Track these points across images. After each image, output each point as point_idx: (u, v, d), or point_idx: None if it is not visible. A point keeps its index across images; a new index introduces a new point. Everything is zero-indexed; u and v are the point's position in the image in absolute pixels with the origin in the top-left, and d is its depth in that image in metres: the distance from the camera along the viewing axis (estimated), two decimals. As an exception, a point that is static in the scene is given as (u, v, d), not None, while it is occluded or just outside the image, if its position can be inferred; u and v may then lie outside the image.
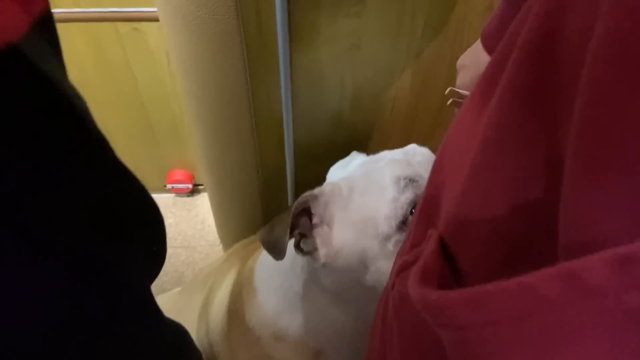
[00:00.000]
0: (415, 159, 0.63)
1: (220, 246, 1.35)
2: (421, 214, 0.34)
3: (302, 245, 0.60)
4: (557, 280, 0.19)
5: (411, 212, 0.57)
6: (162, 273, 0.72)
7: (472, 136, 0.28)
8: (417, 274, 0.28)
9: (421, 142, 0.93)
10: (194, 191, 1.47)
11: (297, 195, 1.01)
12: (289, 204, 1.04)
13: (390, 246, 0.57)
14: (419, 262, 0.29)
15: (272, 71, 0.76)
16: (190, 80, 0.85)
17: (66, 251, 0.41)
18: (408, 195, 0.57)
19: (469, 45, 0.74)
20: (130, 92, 1.23)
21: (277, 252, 0.56)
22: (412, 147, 0.67)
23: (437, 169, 0.33)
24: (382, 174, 0.60)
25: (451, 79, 0.79)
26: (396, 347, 0.36)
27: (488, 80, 0.29)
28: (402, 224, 0.57)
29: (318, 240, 0.60)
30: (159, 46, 1.13)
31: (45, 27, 0.38)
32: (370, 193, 0.59)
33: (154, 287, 0.68)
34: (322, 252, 0.60)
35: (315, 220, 0.60)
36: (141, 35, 1.11)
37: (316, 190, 0.61)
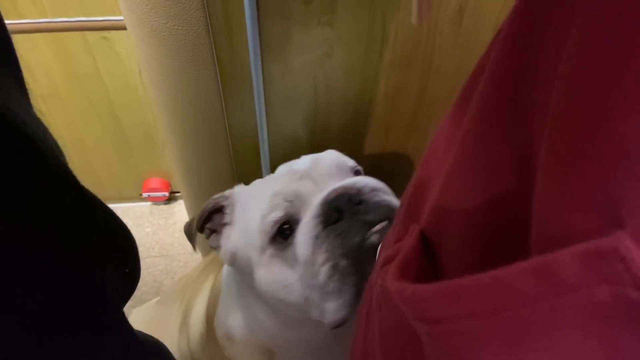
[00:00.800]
0: (317, 171, 0.61)
1: (200, 254, 1.34)
2: (406, 210, 0.34)
3: (209, 240, 0.65)
4: (530, 275, 0.20)
5: (280, 230, 0.57)
6: (140, 283, 0.71)
7: (456, 132, 0.28)
8: (396, 267, 0.28)
9: (397, 147, 0.93)
10: (170, 199, 1.45)
11: (274, 202, 1.01)
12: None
13: (266, 257, 0.58)
14: (398, 257, 0.29)
15: (244, 81, 0.75)
16: (161, 92, 0.84)
17: (36, 286, 0.40)
18: (275, 215, 0.57)
19: (440, 51, 0.75)
20: (102, 101, 1.21)
21: (192, 243, 0.65)
22: (321, 156, 0.65)
23: (423, 165, 0.33)
24: (268, 187, 0.61)
25: (424, 84, 0.80)
26: (376, 340, 0.36)
27: (471, 82, 0.29)
28: (279, 238, 0.57)
29: (222, 239, 0.64)
30: (129, 54, 1.12)
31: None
32: (255, 203, 0.60)
33: (133, 298, 0.67)
34: (222, 250, 0.65)
35: (225, 219, 0.64)
36: (110, 44, 1.09)
37: (227, 192, 0.66)
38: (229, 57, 0.71)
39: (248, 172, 0.93)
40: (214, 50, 0.70)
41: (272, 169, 0.91)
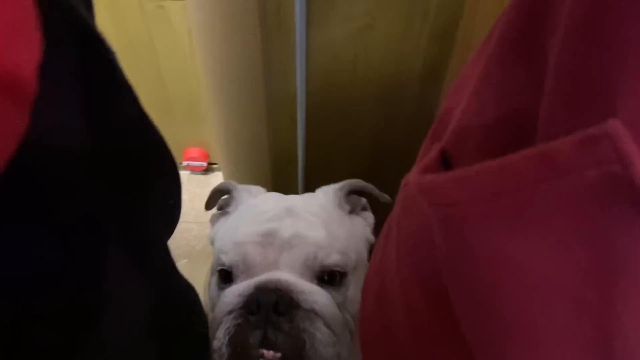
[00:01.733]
0: (288, 230, 0.58)
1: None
2: (430, 137, 0.37)
3: (212, 216, 0.73)
4: (532, 160, 0.22)
5: (223, 272, 0.59)
6: (174, 246, 0.76)
7: (480, 61, 0.30)
8: (417, 169, 0.31)
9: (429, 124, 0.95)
10: (208, 169, 1.51)
11: (306, 174, 1.04)
12: (298, 183, 1.07)
13: (212, 277, 0.63)
14: (420, 164, 0.31)
15: (288, 49, 0.78)
16: (209, 55, 0.88)
17: (87, 202, 0.44)
18: (225, 259, 0.58)
19: (481, 27, 0.77)
20: (151, 70, 1.27)
21: (206, 207, 0.75)
22: (304, 209, 0.62)
23: (449, 97, 0.35)
24: (247, 220, 0.62)
25: (462, 61, 0.81)
26: (393, 252, 0.39)
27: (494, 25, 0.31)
28: (221, 275, 0.60)
29: (219, 221, 0.70)
30: (181, 25, 1.17)
31: None
32: (236, 223, 0.63)
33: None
34: (212, 229, 0.71)
35: (229, 207, 0.70)
36: (165, 13, 1.14)
37: (239, 185, 0.70)
38: (275, 23, 0.75)
39: (283, 141, 0.96)
40: (262, 15, 0.73)
41: (307, 141, 0.94)
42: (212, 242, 0.70)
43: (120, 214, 0.54)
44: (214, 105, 1.08)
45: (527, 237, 0.24)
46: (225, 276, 0.59)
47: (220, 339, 0.54)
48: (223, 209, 0.72)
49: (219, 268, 0.59)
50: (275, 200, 0.65)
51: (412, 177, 0.30)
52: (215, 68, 0.96)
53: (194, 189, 1.47)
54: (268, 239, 0.57)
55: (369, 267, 0.49)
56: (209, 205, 0.74)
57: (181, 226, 1.51)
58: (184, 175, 1.50)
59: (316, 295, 0.53)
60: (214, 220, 0.73)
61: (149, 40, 1.20)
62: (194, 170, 1.48)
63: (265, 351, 0.50)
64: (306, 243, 0.56)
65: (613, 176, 0.20)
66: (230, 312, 0.54)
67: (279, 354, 0.50)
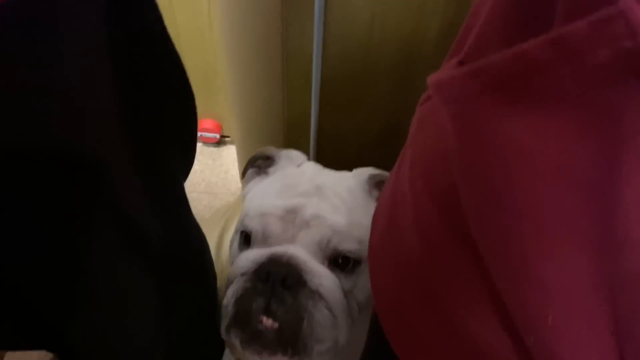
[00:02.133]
0: (311, 207, 0.60)
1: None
2: (450, 54, 0.38)
3: (248, 173, 0.74)
4: (547, 45, 0.23)
5: (243, 235, 0.62)
6: None
7: None
8: (434, 75, 0.31)
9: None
10: (220, 142, 1.53)
11: (319, 143, 1.06)
12: (310, 151, 1.08)
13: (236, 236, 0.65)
14: (437, 74, 0.32)
15: (307, 8, 0.80)
16: (227, 19, 0.90)
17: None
18: (247, 223, 0.61)
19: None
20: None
21: (244, 170, 0.75)
22: (331, 187, 0.64)
23: (472, 13, 0.36)
24: (278, 190, 0.64)
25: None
26: (406, 171, 0.40)
27: None
28: (242, 238, 0.63)
29: (254, 179, 0.72)
30: (201, -7, 1.19)
31: None
32: (269, 188, 0.66)
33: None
34: (246, 187, 0.73)
35: (268, 169, 0.71)
36: (185, -20, 1.16)
37: (281, 151, 0.72)
38: (295, -20, 0.76)
39: (297, 106, 0.98)
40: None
41: (321, 107, 0.96)
42: (244, 198, 0.72)
43: (139, 143, 0.55)
44: (230, 72, 1.10)
45: (538, 123, 0.25)
46: (246, 239, 0.62)
47: (228, 297, 0.57)
48: (261, 168, 0.74)
49: (241, 229, 0.62)
50: (310, 175, 0.67)
51: (430, 78, 0.31)
52: (233, 32, 0.98)
53: (206, 160, 1.49)
54: (290, 215, 0.59)
55: (380, 197, 0.50)
56: (246, 169, 0.76)
57: (192, 196, 1.53)
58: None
59: (323, 278, 0.55)
60: (248, 178, 0.74)
61: (170, 8, 1.22)
62: (206, 141, 1.50)
63: (265, 318, 0.53)
64: (324, 225, 0.58)
65: (626, 52, 0.20)
66: (242, 275, 0.56)
67: (276, 325, 0.53)
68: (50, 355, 0.98)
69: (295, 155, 0.72)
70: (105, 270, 0.59)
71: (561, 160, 0.24)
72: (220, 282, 0.95)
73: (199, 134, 1.47)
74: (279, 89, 0.95)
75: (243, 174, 0.76)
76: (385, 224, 0.45)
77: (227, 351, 1.08)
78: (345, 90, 0.93)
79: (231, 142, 1.53)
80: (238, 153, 1.32)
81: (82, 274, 0.57)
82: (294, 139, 1.09)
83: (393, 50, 0.85)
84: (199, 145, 1.53)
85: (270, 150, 0.73)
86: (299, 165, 0.71)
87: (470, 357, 0.34)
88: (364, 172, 0.68)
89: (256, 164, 0.74)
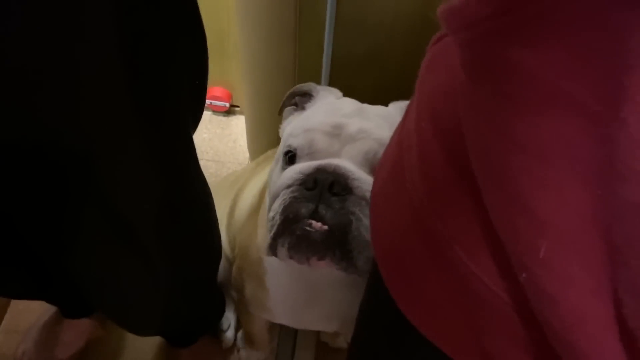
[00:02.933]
0: (352, 128, 0.61)
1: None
2: None
3: (285, 111, 0.74)
4: None
5: (289, 153, 0.62)
6: None
7: None
8: (444, 4, 0.31)
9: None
10: (229, 111, 1.51)
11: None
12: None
13: (279, 161, 0.64)
14: None
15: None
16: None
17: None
18: (293, 142, 0.61)
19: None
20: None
21: (282, 107, 0.74)
22: (370, 114, 0.65)
23: None
24: (323, 112, 0.65)
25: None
26: (413, 113, 0.40)
27: None
28: (286, 158, 0.62)
29: (292, 115, 0.72)
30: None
31: None
32: (311, 115, 0.66)
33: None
34: (284, 123, 0.73)
35: (305, 104, 0.71)
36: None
37: (319, 86, 0.72)
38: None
39: (308, 71, 0.96)
40: None
41: (332, 72, 0.94)
42: (282, 133, 0.72)
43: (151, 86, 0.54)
44: (243, 35, 1.08)
45: (544, 50, 0.25)
46: (290, 159, 0.62)
47: (275, 209, 0.58)
48: (298, 106, 0.74)
49: (285, 150, 0.62)
50: (350, 102, 0.68)
51: (440, 9, 0.31)
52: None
53: (215, 129, 1.48)
54: (336, 130, 0.60)
55: (386, 147, 0.50)
56: (284, 105, 0.75)
57: (200, 163, 1.53)
58: (206, 114, 1.50)
59: (370, 185, 0.55)
60: (286, 114, 0.75)
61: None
62: (216, 110, 1.49)
63: (314, 222, 0.54)
64: (370, 139, 0.59)
65: None
66: (288, 187, 0.57)
67: (325, 227, 0.54)
68: (53, 308, 0.98)
69: (335, 90, 0.73)
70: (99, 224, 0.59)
71: (565, 87, 0.24)
72: (232, 250, 0.95)
73: (208, 101, 1.46)
74: (291, 51, 0.93)
75: (280, 111, 0.76)
76: (388, 171, 0.45)
77: (226, 314, 1.08)
78: (357, 52, 0.91)
79: (240, 113, 1.51)
80: (247, 122, 1.31)
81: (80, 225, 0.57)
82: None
83: (409, 10, 0.83)
84: (208, 113, 1.52)
85: (309, 86, 0.72)
86: (338, 98, 0.72)
87: (466, 298, 0.34)
88: (401, 103, 0.70)
89: (293, 102, 0.74)
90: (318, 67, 0.94)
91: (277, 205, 0.57)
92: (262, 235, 0.77)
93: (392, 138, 0.48)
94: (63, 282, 0.72)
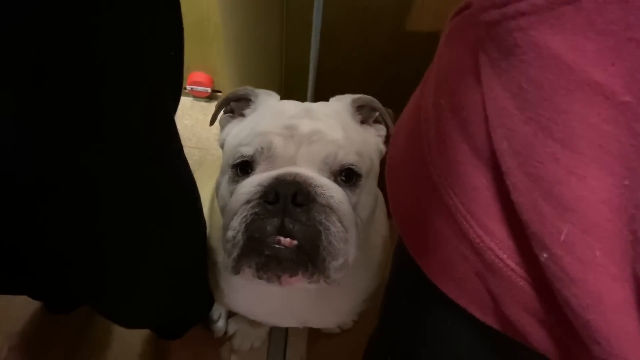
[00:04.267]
0: (307, 127, 0.58)
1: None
2: None
3: (222, 118, 0.70)
4: None
5: (241, 164, 0.58)
6: None
7: None
8: None
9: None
10: (211, 97, 1.48)
11: (316, 91, 1.02)
12: (308, 98, 1.04)
13: (226, 174, 0.61)
14: None
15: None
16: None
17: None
18: (245, 150, 0.58)
19: None
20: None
21: (214, 115, 0.71)
22: (321, 111, 0.63)
23: None
24: (269, 116, 0.62)
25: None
26: (432, 86, 0.39)
27: None
28: (238, 170, 0.59)
29: (230, 123, 0.69)
30: None
31: None
32: (256, 121, 0.63)
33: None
34: (222, 132, 0.70)
35: (244, 110, 0.68)
36: None
37: (257, 90, 0.68)
38: None
39: (295, 48, 0.94)
40: None
41: (320, 51, 0.92)
42: (222, 144, 0.69)
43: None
44: (226, 18, 1.05)
45: (575, 36, 0.25)
46: (244, 168, 0.59)
47: (235, 227, 0.54)
48: (234, 112, 0.70)
49: (237, 161, 0.59)
50: (293, 104, 0.65)
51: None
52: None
53: (197, 115, 1.45)
54: (289, 131, 0.57)
55: (402, 114, 0.50)
56: (218, 113, 0.71)
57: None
58: (187, 100, 1.47)
59: (333, 191, 0.54)
60: (223, 122, 0.71)
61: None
62: (197, 95, 1.45)
63: (282, 238, 0.51)
64: (326, 141, 0.57)
65: None
66: (247, 202, 0.54)
67: (295, 241, 0.51)
68: (38, 303, 0.96)
69: (273, 93, 0.70)
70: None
71: (595, 75, 0.24)
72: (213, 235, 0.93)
73: (189, 87, 1.42)
74: (278, 33, 0.91)
75: (213, 120, 0.72)
76: (405, 139, 0.46)
77: (216, 304, 1.07)
78: (346, 34, 0.89)
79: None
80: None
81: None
82: (292, 86, 1.05)
83: (391, 15, 0.81)
84: (189, 99, 1.48)
85: (244, 90, 0.68)
86: (277, 101, 0.69)
87: (482, 268, 0.35)
88: (345, 97, 0.67)
89: (229, 108, 0.70)
90: (306, 50, 0.92)
91: (237, 223, 0.53)
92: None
93: (408, 106, 0.48)
94: (48, 277, 0.70)
